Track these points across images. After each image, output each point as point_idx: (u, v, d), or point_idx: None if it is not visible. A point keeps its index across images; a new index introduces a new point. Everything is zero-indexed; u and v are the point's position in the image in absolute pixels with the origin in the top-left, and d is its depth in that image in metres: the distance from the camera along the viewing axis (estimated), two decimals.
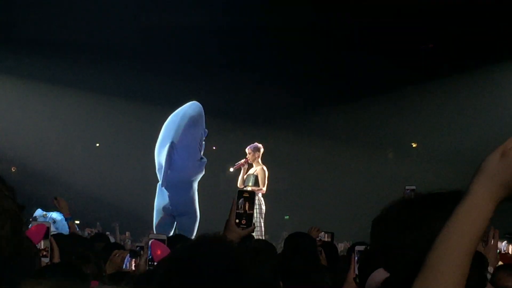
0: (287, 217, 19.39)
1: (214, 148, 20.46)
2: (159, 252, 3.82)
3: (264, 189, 11.64)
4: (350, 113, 20.47)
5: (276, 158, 17.04)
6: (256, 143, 11.98)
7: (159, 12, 17.63)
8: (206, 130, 11.90)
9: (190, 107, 11.96)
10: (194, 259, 1.83)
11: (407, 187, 5.16)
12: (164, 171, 11.32)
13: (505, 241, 5.45)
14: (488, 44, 17.20)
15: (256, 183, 11.63)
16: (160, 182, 11.50)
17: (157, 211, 11.56)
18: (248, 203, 3.42)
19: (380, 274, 3.27)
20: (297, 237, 4.76)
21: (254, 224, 3.50)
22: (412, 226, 1.88)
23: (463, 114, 19.28)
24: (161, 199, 11.55)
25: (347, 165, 20.99)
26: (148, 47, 18.81)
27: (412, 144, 21.85)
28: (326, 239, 6.02)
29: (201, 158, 11.84)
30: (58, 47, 18.12)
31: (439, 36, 17.99)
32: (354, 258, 3.35)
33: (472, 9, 16.01)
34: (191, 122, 11.66)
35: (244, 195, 3.45)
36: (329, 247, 5.47)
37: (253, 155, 11.77)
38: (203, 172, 11.88)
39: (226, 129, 20.27)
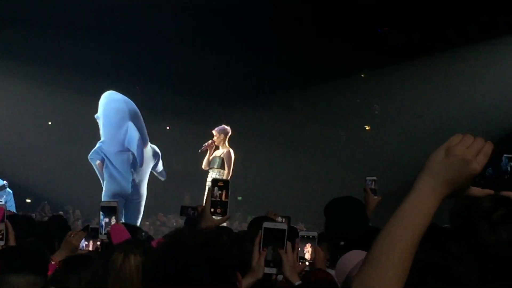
0: (240, 198, 19.42)
1: (167, 128, 20.38)
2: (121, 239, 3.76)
3: (230, 172, 11.67)
4: (307, 95, 20.53)
5: (230, 138, 17.02)
6: (223, 126, 11.96)
7: None
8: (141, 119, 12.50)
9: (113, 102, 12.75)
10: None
11: (368, 178, 5.19)
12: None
13: None
14: (446, 27, 17.38)
15: (222, 165, 11.63)
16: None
17: (105, 195, 11.88)
18: (225, 192, 3.43)
19: (354, 254, 3.34)
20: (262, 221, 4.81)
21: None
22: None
23: (417, 98, 19.48)
24: (108, 184, 11.87)
25: (301, 146, 21.08)
26: (110, 24, 18.40)
27: (366, 127, 22.03)
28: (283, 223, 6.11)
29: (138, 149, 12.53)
30: (10, 22, 17.71)
31: (395, 19, 18.11)
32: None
33: None
34: (116, 119, 12.57)
35: (218, 184, 3.47)
36: (290, 230, 5.57)
37: (219, 137, 11.77)
38: (149, 159, 12.26)
39: (191, 109, 20.21)
